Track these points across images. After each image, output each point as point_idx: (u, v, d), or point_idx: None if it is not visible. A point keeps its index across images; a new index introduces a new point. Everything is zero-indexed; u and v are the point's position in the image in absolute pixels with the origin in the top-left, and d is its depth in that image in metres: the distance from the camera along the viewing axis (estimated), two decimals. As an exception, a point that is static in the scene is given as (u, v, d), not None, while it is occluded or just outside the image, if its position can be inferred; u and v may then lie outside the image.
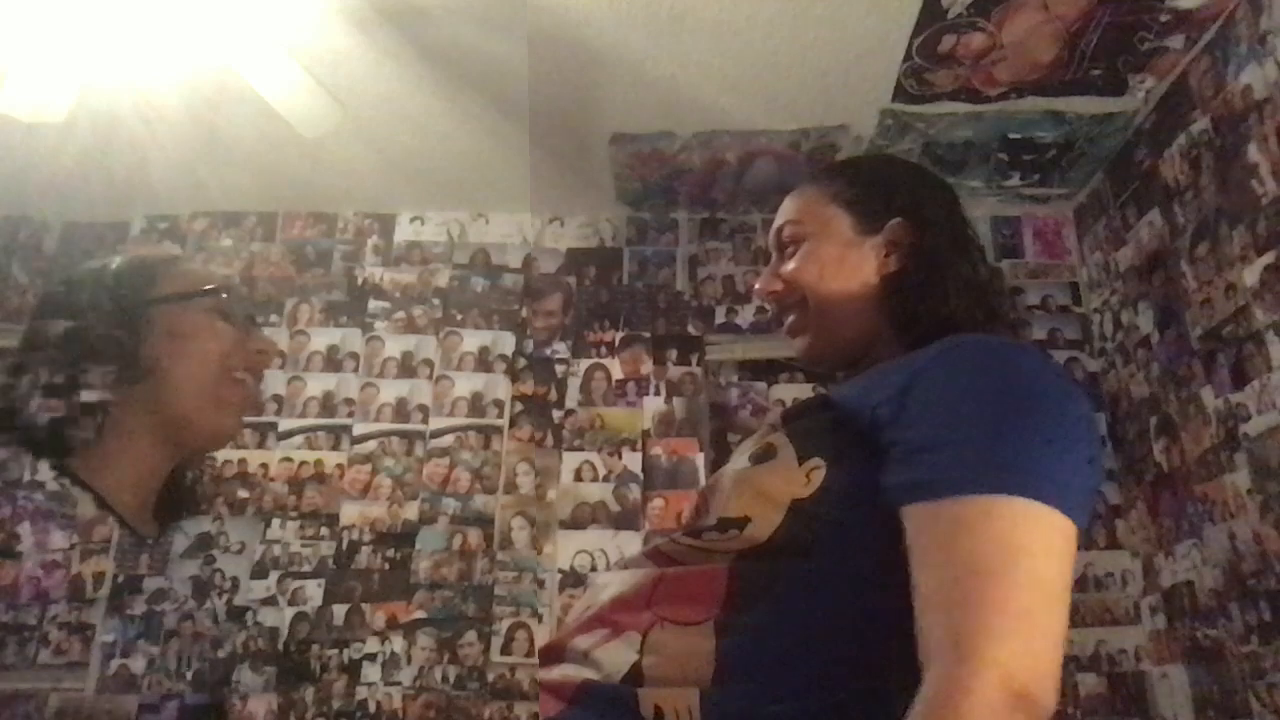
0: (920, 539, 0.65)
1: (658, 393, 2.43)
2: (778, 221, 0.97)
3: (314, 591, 2.23)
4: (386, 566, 2.26)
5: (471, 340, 2.51)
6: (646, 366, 2.46)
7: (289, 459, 2.36)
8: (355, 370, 2.47)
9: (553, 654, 0.79)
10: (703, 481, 2.31)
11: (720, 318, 2.54)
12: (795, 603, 0.69)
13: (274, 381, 2.42)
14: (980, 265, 0.91)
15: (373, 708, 2.12)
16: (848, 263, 0.89)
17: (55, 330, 0.90)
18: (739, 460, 0.82)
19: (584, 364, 2.48)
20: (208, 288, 0.97)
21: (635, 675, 0.70)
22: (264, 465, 2.34)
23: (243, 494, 2.31)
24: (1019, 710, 0.57)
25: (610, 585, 0.79)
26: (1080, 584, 2.20)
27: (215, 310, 0.96)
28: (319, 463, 2.36)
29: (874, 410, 0.72)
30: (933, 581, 0.63)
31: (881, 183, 0.94)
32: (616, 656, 0.72)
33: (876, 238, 0.89)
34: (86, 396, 0.89)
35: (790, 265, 0.93)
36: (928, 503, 0.65)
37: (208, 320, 0.96)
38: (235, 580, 2.22)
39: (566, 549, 2.27)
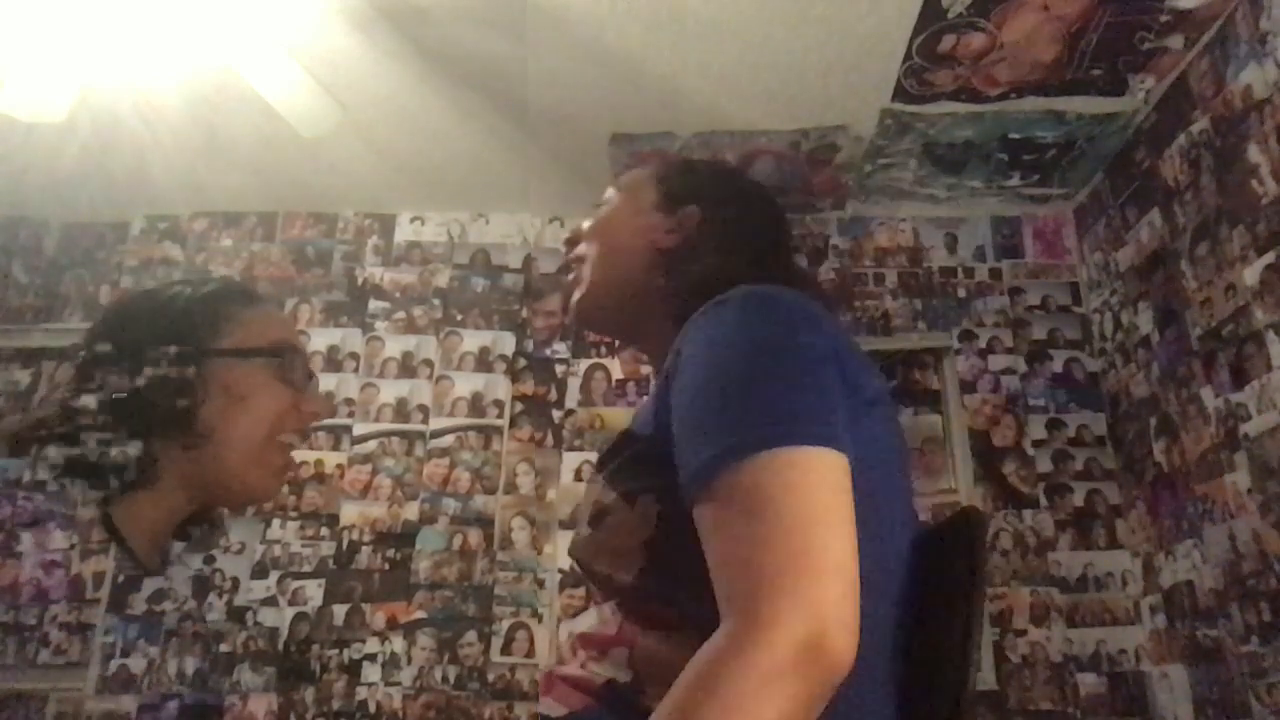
0: (701, 524, 0.64)
1: (658, 393, 2.43)
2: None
3: (314, 591, 2.23)
4: (386, 566, 2.26)
5: (471, 340, 2.51)
6: (646, 367, 2.46)
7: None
8: (355, 370, 2.47)
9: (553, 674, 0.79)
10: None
11: (720, 318, 2.54)
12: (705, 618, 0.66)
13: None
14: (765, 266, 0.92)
15: (373, 708, 2.12)
16: (632, 225, 0.95)
17: (112, 375, 0.87)
18: (581, 526, 0.81)
19: (584, 364, 2.48)
20: (270, 346, 0.93)
21: (635, 686, 0.70)
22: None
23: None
24: (804, 664, 0.54)
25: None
26: (1080, 584, 2.21)
27: (275, 369, 0.92)
28: (319, 463, 2.36)
29: (659, 422, 0.72)
30: (713, 563, 0.61)
31: (697, 174, 1.00)
32: (611, 672, 0.72)
33: (669, 217, 0.94)
34: (139, 449, 0.86)
35: (585, 223, 1.00)
36: (698, 505, 0.64)
37: (266, 380, 0.91)
38: (235, 580, 2.22)
39: (567, 549, 2.26)
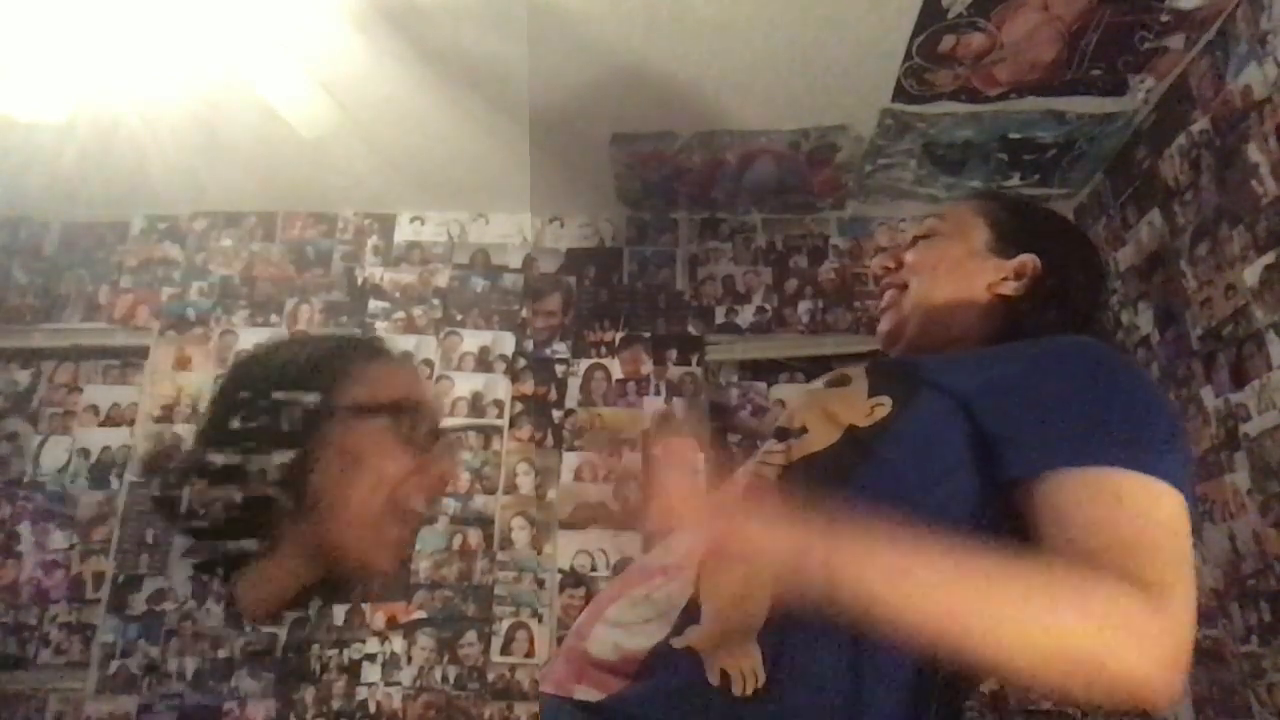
0: (1072, 500, 0.66)
1: (658, 393, 2.43)
2: (927, 215, 1.02)
3: (314, 592, 2.23)
4: (386, 566, 2.26)
5: (471, 340, 2.51)
6: (646, 366, 2.46)
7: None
8: (355, 370, 2.47)
9: (596, 610, 0.83)
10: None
11: (720, 318, 2.54)
12: None
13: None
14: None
15: (373, 708, 2.12)
16: (964, 268, 0.92)
17: (233, 439, 0.82)
18: (814, 385, 0.88)
19: (584, 364, 2.48)
20: (390, 404, 0.86)
21: (693, 609, 0.74)
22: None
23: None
24: (1181, 662, 0.60)
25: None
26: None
27: (395, 430, 0.85)
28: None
29: (979, 388, 0.74)
30: (1097, 537, 0.64)
31: (1032, 219, 0.98)
32: (675, 593, 0.76)
33: (1005, 261, 0.92)
34: (261, 522, 0.82)
35: (911, 253, 0.97)
36: (1080, 469, 0.67)
37: (384, 441, 0.84)
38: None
39: (566, 549, 2.26)
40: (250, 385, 0.84)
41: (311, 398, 0.82)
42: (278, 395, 0.82)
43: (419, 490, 0.86)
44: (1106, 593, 0.61)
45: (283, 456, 0.80)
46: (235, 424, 0.82)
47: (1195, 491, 0.74)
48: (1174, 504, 0.65)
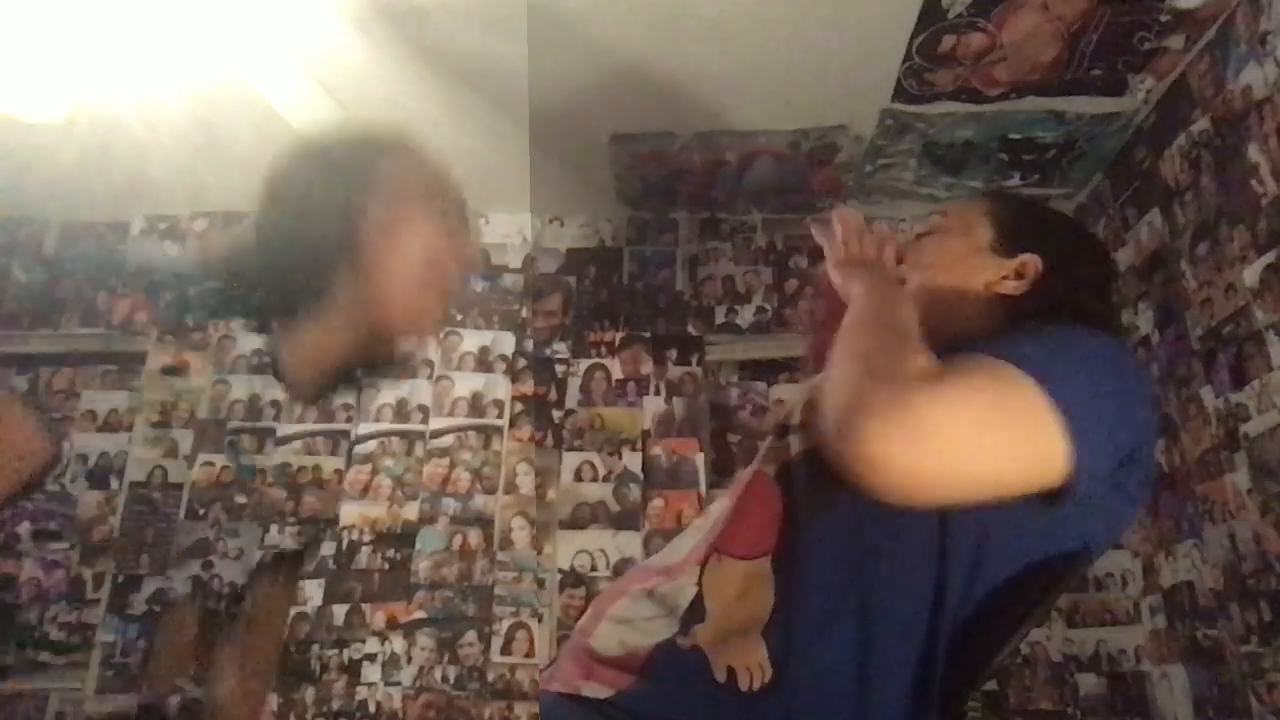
0: (974, 365, 0.67)
1: (658, 393, 2.43)
2: (929, 213, 1.03)
3: (313, 592, 2.22)
4: (386, 566, 2.25)
5: (471, 340, 2.51)
6: (646, 366, 2.46)
7: (287, 463, 2.35)
8: (355, 370, 2.47)
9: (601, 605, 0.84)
10: (703, 482, 2.32)
11: (720, 318, 2.54)
12: (840, 538, 0.73)
13: (273, 385, 2.42)
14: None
15: (373, 708, 2.12)
16: (966, 264, 0.92)
17: (280, 215, 0.92)
18: (813, 380, 0.88)
19: (584, 364, 2.48)
20: (422, 183, 0.95)
21: (698, 607, 0.74)
22: (261, 470, 2.34)
23: (240, 499, 2.30)
24: (897, 433, 0.61)
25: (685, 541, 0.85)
26: (1080, 584, 2.21)
27: (431, 206, 0.95)
28: (316, 468, 2.35)
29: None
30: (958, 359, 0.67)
31: (1038, 219, 0.97)
32: (678, 592, 0.77)
33: (1007, 260, 0.91)
34: (301, 284, 0.91)
35: (913, 250, 0.97)
36: (1007, 363, 0.66)
37: (421, 217, 0.94)
38: (233, 586, 2.21)
39: (566, 549, 2.26)
40: (292, 185, 0.92)
41: (351, 181, 0.91)
42: (323, 182, 0.91)
43: (453, 260, 0.96)
44: (915, 362, 0.65)
45: (332, 233, 0.89)
46: (284, 221, 0.90)
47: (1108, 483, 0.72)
48: (1039, 409, 0.64)
